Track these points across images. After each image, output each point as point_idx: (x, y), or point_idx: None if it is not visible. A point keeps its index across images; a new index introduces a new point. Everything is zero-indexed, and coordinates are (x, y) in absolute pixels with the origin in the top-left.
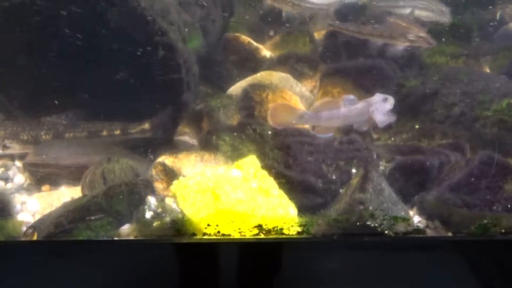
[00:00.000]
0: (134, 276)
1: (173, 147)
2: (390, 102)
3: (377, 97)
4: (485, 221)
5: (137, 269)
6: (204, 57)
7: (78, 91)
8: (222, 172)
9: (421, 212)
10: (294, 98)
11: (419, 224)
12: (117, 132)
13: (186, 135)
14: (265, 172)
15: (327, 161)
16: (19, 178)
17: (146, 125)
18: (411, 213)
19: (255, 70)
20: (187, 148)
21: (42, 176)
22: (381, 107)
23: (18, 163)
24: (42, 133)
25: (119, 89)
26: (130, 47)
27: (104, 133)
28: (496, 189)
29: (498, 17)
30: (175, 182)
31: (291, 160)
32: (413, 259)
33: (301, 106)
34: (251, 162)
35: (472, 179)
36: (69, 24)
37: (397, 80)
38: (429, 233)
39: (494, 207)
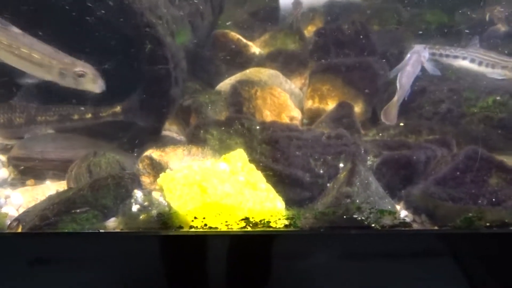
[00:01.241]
0: (120, 269)
1: (160, 142)
2: (427, 50)
3: (419, 47)
4: (470, 214)
5: (123, 262)
6: (193, 52)
7: None
8: (210, 166)
9: (407, 206)
10: (283, 95)
11: (405, 218)
12: (88, 116)
13: (174, 132)
14: (252, 166)
15: (315, 155)
16: (3, 172)
17: (118, 108)
18: (397, 207)
19: (244, 67)
20: (175, 143)
21: (27, 170)
22: (425, 54)
23: (1, 157)
24: (15, 116)
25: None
26: (117, 39)
27: (75, 116)
28: (480, 183)
29: (487, 18)
30: (162, 175)
31: (279, 154)
32: (399, 252)
33: (290, 104)
34: (239, 155)
35: (458, 173)
36: (56, 14)
37: (386, 78)
38: (416, 226)
39: (479, 201)
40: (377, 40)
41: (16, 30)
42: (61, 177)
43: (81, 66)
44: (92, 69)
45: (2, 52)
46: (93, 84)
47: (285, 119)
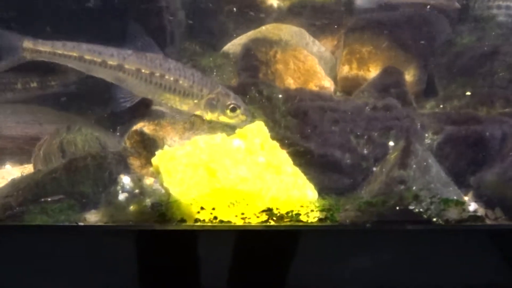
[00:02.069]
0: (104, 272)
1: (150, 118)
2: None
3: None
4: None
5: (108, 264)
6: (191, 4)
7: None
8: (220, 142)
9: (478, 197)
10: (310, 59)
11: (476, 212)
12: (34, 84)
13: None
14: (275, 143)
15: (357, 131)
16: None
17: (70, 77)
18: (465, 198)
19: (258, 23)
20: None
21: None
22: None
23: None
24: None
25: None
26: None
27: (18, 86)
28: None
29: None
30: (158, 153)
31: (309, 129)
32: (468, 253)
33: (319, 70)
34: (258, 130)
35: None
36: None
37: (447, 36)
38: (488, 222)
39: None
40: None
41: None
42: (24, 158)
43: (233, 99)
44: (242, 102)
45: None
46: (242, 119)
47: (314, 90)
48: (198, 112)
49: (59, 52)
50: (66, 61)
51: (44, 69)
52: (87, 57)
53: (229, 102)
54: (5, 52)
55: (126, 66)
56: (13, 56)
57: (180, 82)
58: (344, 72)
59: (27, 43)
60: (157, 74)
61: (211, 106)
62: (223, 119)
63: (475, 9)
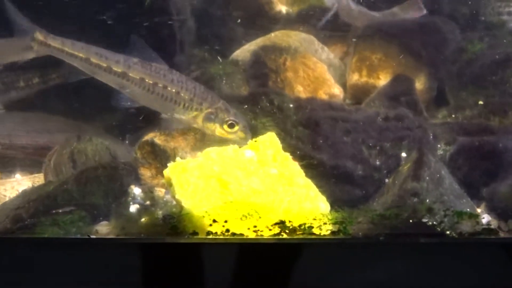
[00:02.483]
0: (115, 286)
1: (159, 126)
2: None
3: None
4: None
5: (120, 277)
6: (200, 11)
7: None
8: (232, 153)
9: (491, 209)
10: (319, 66)
11: (489, 225)
12: (36, 80)
13: None
14: (287, 155)
15: (369, 142)
16: None
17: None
18: (478, 210)
19: (267, 30)
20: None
21: None
22: None
23: None
24: None
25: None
26: None
27: (21, 83)
28: None
29: None
30: (171, 165)
31: (321, 140)
32: (483, 267)
33: (329, 77)
34: (270, 141)
35: None
36: None
37: (458, 44)
38: (502, 235)
39: None
40: None
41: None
42: (34, 168)
43: (233, 115)
44: (243, 120)
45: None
46: (240, 137)
47: (323, 97)
48: (196, 125)
49: (67, 50)
50: (73, 60)
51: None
52: (94, 60)
53: (227, 118)
54: (16, 36)
55: (130, 74)
56: (22, 42)
57: (182, 94)
58: (353, 79)
59: (39, 35)
60: (160, 85)
61: (209, 120)
62: (220, 134)
63: (486, 15)
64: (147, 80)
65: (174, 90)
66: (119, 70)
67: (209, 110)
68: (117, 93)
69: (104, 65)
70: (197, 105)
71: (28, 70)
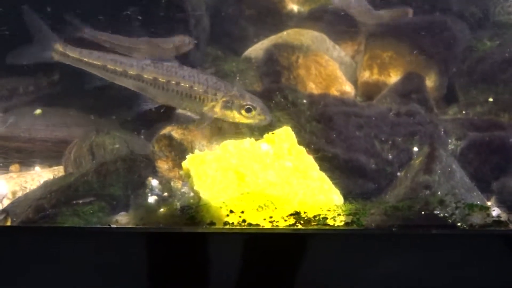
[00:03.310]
0: (134, 274)
1: (174, 121)
2: None
3: None
4: None
5: (139, 266)
6: (212, 9)
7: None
8: (248, 146)
9: (501, 202)
10: (331, 64)
11: (500, 217)
12: (31, 88)
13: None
14: (302, 149)
15: (381, 136)
16: None
17: (56, 76)
18: (488, 203)
19: (278, 29)
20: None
21: (10, 152)
22: None
23: None
24: None
25: None
26: None
27: (20, 90)
28: None
29: None
30: (189, 157)
31: (335, 134)
32: (493, 258)
33: (340, 75)
34: (285, 135)
35: None
36: None
37: (467, 42)
38: None
39: None
40: None
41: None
42: (53, 160)
43: (249, 99)
44: (260, 102)
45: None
46: (260, 119)
47: (335, 94)
48: (216, 116)
49: (85, 59)
50: (91, 68)
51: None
52: (110, 66)
53: (244, 103)
54: (36, 45)
55: (145, 76)
56: (42, 52)
57: (195, 88)
58: (364, 77)
59: (58, 46)
60: (173, 82)
61: (227, 108)
62: (240, 120)
63: (496, 14)
64: (160, 79)
65: (187, 85)
66: (134, 73)
67: (225, 98)
68: (138, 96)
69: (120, 70)
70: (212, 95)
71: (19, 78)
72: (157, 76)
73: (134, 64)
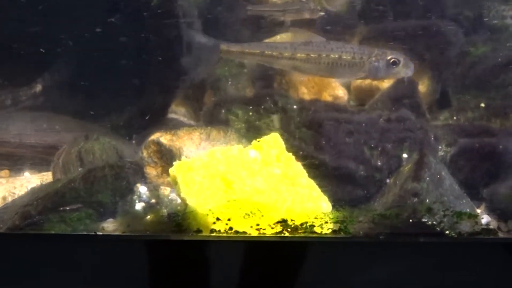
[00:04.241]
0: (121, 282)
1: (165, 126)
2: None
3: None
4: None
5: (125, 274)
6: (205, 12)
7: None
8: (236, 153)
9: (490, 209)
10: None
11: (488, 225)
12: (8, 102)
13: (182, 115)
14: (290, 155)
15: (371, 143)
16: None
17: (38, 88)
18: (478, 211)
19: (272, 32)
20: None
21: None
22: None
23: None
24: None
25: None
26: None
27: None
28: None
29: None
30: (176, 163)
31: (324, 141)
32: (481, 266)
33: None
34: (273, 141)
35: None
36: None
37: (461, 47)
38: (501, 235)
39: None
40: None
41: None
42: (43, 166)
43: (392, 54)
44: (401, 55)
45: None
46: (406, 69)
47: (327, 99)
48: (365, 77)
49: (246, 51)
50: (251, 57)
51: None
52: (267, 52)
53: (389, 57)
54: (202, 52)
55: (298, 55)
56: (213, 57)
57: (344, 56)
58: (357, 81)
59: (223, 46)
60: (324, 55)
61: (375, 67)
62: (387, 75)
63: (490, 18)
64: (312, 55)
65: (336, 56)
66: (289, 54)
67: (371, 59)
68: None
69: (276, 53)
70: (359, 59)
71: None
72: (309, 53)
73: (287, 47)
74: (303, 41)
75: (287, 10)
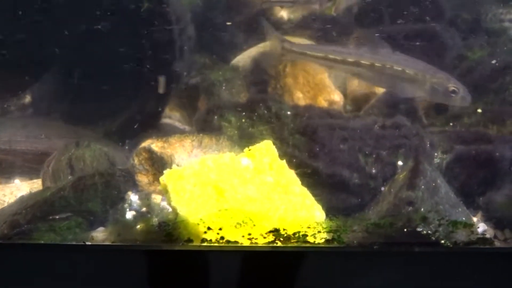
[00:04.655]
0: None
1: (158, 132)
2: None
3: None
4: None
5: (116, 284)
6: (200, 16)
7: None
8: (228, 161)
9: (487, 218)
10: (319, 72)
11: (484, 233)
12: None
13: (176, 120)
14: (283, 163)
15: (366, 150)
16: None
17: (27, 99)
18: (474, 219)
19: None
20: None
21: None
22: None
23: None
24: None
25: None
26: None
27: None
28: None
29: None
30: (167, 172)
31: (318, 148)
32: (476, 276)
33: (329, 84)
34: (266, 149)
35: None
36: None
37: (458, 50)
38: (498, 244)
39: None
40: (445, 1)
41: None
42: (34, 173)
43: (453, 83)
44: (461, 85)
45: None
46: (463, 100)
47: (323, 104)
48: (422, 95)
49: (308, 53)
50: (313, 60)
51: None
52: (331, 56)
53: (449, 85)
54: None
55: (362, 62)
56: (273, 53)
57: (407, 71)
58: (353, 86)
59: (287, 44)
60: (388, 66)
61: (434, 90)
62: (444, 100)
63: (487, 22)
64: (376, 64)
65: (400, 69)
66: (352, 60)
67: (433, 80)
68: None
69: (339, 58)
70: (421, 78)
71: None
72: (373, 62)
73: (352, 52)
74: (369, 48)
75: (298, 1)
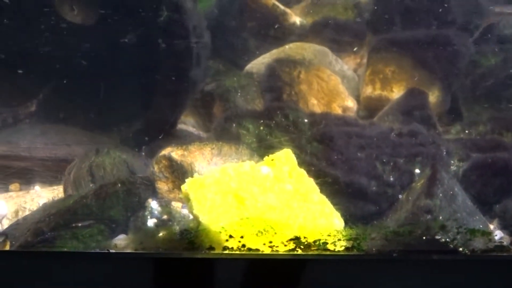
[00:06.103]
0: None
1: (175, 137)
2: None
3: None
4: None
5: None
6: (214, 22)
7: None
8: (248, 170)
9: (504, 225)
10: (333, 78)
11: (502, 241)
12: (10, 120)
13: (191, 126)
14: (302, 171)
15: (383, 158)
16: None
17: (34, 107)
18: (490, 226)
19: (281, 42)
20: (194, 140)
21: (10, 171)
22: None
23: None
24: None
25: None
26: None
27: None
28: None
29: None
30: (188, 180)
31: (336, 156)
32: (495, 284)
33: (343, 90)
34: (286, 157)
35: None
36: None
37: (471, 57)
38: None
39: None
40: (457, 7)
41: None
42: (54, 180)
43: None
44: None
45: None
46: None
47: (337, 110)
48: None
49: None
50: None
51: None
52: None
53: None
54: None
55: None
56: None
57: None
58: (367, 92)
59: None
60: None
61: None
62: None
63: (500, 29)
64: None
65: None
66: None
67: None
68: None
69: None
70: None
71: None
72: None
73: None
74: None
75: None
